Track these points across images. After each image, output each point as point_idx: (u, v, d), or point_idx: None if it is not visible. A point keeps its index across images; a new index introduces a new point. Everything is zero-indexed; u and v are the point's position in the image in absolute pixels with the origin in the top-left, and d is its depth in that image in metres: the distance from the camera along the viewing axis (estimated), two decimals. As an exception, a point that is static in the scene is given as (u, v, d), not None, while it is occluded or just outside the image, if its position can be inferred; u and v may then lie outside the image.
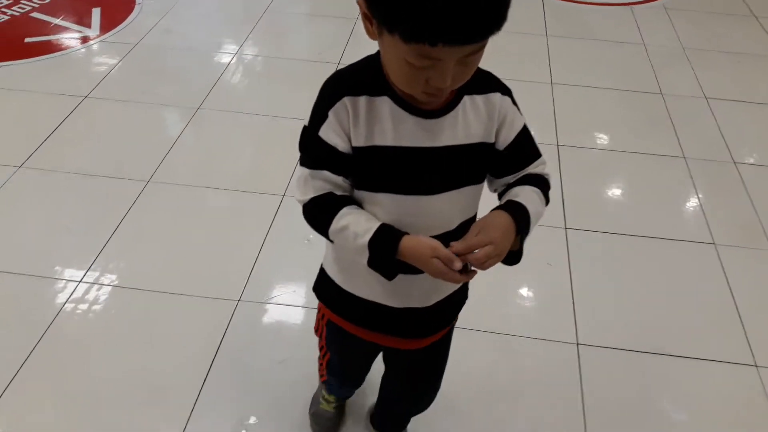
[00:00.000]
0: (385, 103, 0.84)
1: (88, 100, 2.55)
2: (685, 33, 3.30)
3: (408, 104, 0.84)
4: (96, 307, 1.74)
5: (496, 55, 3.18)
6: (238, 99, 2.63)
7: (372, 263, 0.87)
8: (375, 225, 0.86)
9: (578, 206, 2.18)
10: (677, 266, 1.99)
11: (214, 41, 3.06)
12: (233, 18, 3.31)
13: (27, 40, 2.95)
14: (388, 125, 0.84)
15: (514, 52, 3.05)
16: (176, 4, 3.33)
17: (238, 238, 1.97)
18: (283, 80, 2.79)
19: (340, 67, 0.92)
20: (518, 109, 0.92)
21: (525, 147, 0.93)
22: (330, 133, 0.84)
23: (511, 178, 0.95)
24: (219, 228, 2.02)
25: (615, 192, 2.28)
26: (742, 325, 1.79)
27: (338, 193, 0.88)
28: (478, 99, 0.88)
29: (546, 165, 0.97)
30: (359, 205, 0.90)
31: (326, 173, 0.87)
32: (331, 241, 0.92)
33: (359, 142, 0.85)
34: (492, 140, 0.91)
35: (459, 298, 1.08)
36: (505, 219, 0.87)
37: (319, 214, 0.89)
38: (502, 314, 1.80)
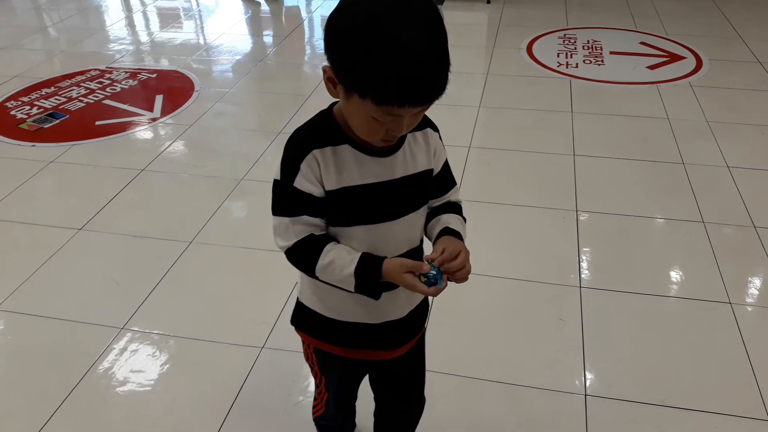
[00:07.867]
0: (347, 150, 0.99)
1: (144, 173, 2.84)
2: (709, 107, 3.40)
3: (366, 148, 0.99)
4: (134, 350, 1.92)
5: (522, 131, 3.33)
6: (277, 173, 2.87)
7: (359, 288, 1.01)
8: (357, 255, 1.00)
9: (594, 266, 2.25)
10: (690, 323, 2.01)
11: (259, 120, 3.37)
12: (281, 100, 3.64)
13: (97, 122, 3.33)
14: (353, 168, 0.99)
15: (538, 126, 3.22)
16: (230, 90, 3.70)
17: (266, 291, 2.13)
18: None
19: None
20: (443, 143, 1.11)
21: (448, 175, 1.14)
22: (304, 183, 0.98)
23: (435, 201, 1.14)
24: (250, 283, 2.19)
25: (631, 253, 2.32)
26: (756, 380, 1.79)
27: (317, 233, 1.02)
28: (418, 135, 1.06)
29: (459, 192, 1.17)
30: (335, 240, 1.03)
31: (306, 218, 1.00)
32: (316, 277, 1.03)
33: (331, 186, 0.99)
34: (432, 166, 1.08)
35: (425, 306, 1.23)
36: (457, 240, 1.06)
37: (305, 255, 1.02)
38: (511, 365, 1.86)
